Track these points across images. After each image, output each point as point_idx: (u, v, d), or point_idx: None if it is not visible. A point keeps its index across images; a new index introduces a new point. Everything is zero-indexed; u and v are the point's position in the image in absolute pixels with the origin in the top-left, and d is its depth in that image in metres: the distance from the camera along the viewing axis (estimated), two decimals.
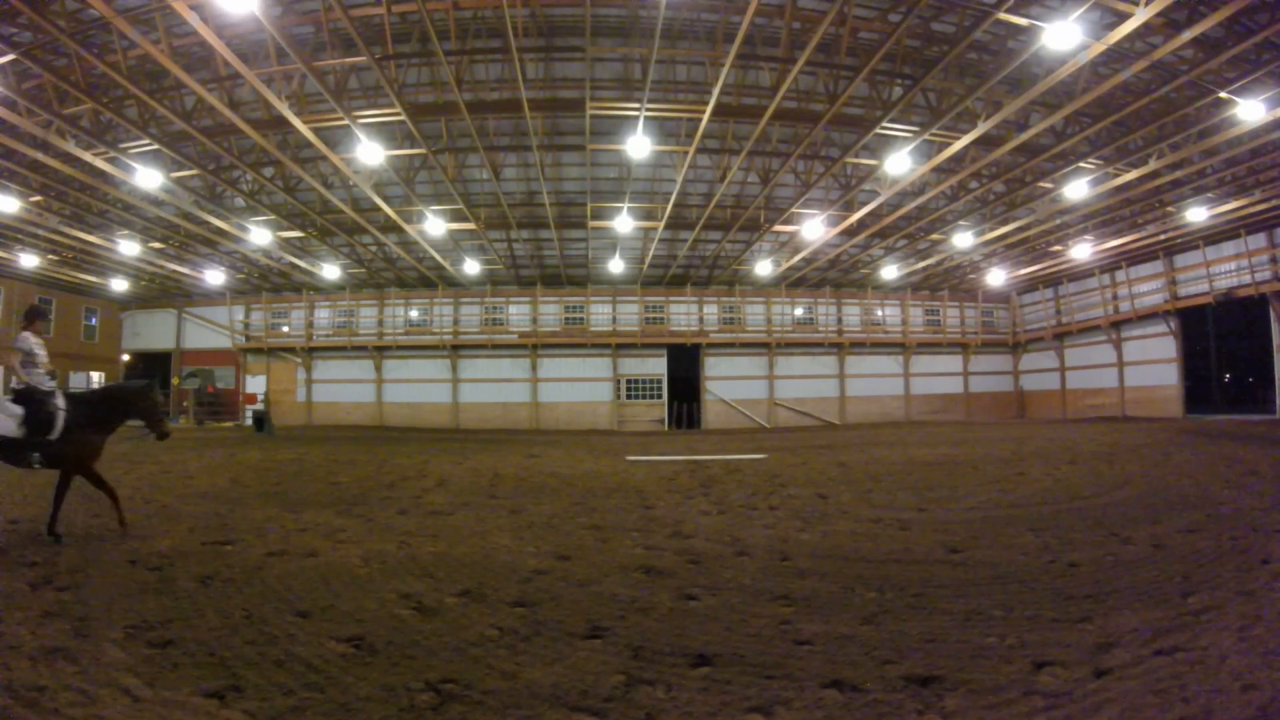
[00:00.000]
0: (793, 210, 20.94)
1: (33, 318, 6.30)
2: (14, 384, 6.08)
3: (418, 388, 30.35)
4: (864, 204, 19.99)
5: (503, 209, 21.77)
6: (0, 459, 6.00)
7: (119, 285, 28.74)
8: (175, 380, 31.34)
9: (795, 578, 4.87)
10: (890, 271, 28.27)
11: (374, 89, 15.42)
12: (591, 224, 22.33)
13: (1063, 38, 10.58)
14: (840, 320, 31.83)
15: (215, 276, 27.62)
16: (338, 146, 16.11)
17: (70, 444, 5.92)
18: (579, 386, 30.15)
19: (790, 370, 30.81)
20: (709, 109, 14.07)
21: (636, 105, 14.45)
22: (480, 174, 19.97)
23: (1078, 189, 17.82)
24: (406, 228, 21.49)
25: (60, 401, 5.95)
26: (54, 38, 11.67)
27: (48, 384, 6.13)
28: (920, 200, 20.08)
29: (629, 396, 30.42)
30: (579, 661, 3.37)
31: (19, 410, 5.83)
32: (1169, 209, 20.83)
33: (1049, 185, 18.68)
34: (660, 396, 30.41)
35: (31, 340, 6.09)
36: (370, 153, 15.29)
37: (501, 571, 5.09)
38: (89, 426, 6.07)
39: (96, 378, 30.95)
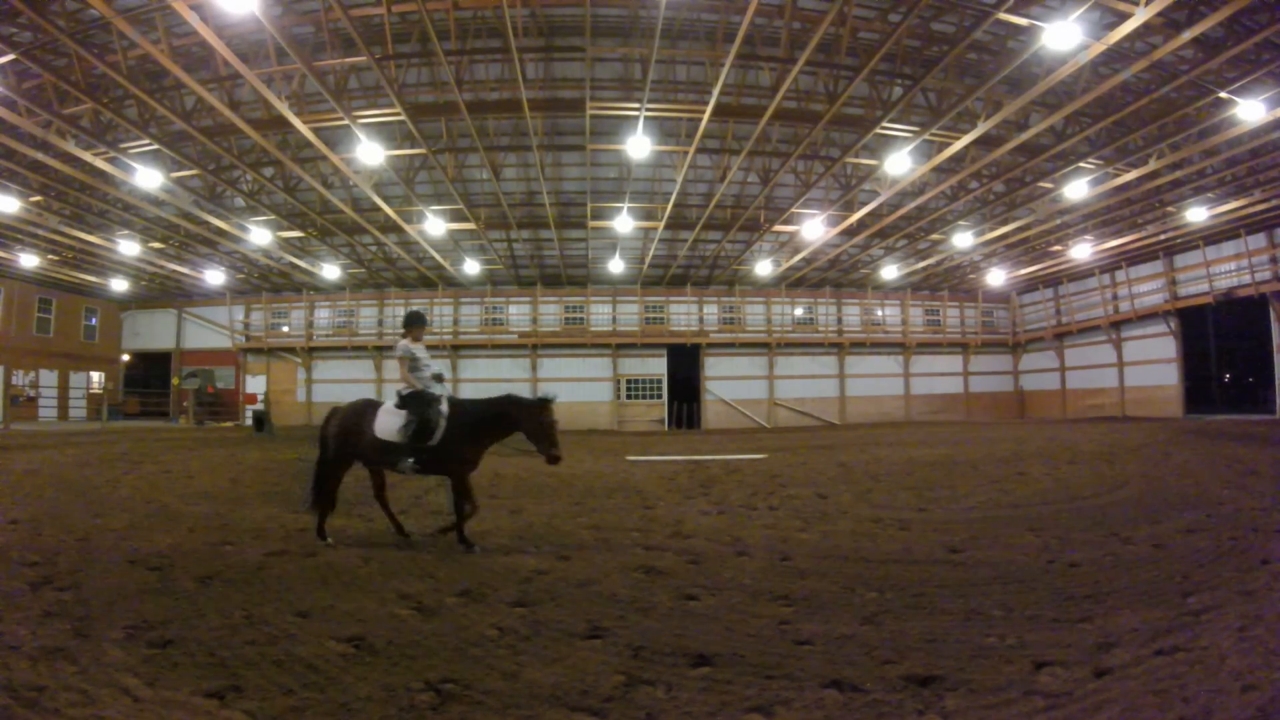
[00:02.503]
0: (793, 210, 20.94)
1: (410, 324, 6.26)
2: (402, 389, 6.00)
3: None
4: (864, 204, 19.99)
5: (503, 209, 21.77)
6: (379, 460, 6.00)
7: (119, 285, 28.74)
8: (175, 380, 31.33)
9: (795, 578, 4.87)
10: (890, 271, 28.27)
11: (374, 89, 15.43)
12: (591, 224, 22.34)
13: (1063, 38, 10.58)
14: (840, 320, 31.83)
15: (215, 276, 27.62)
16: (338, 146, 16.12)
17: (447, 452, 5.73)
18: (579, 386, 30.13)
19: (790, 370, 30.80)
20: (709, 109, 14.07)
21: (636, 105, 14.45)
22: (480, 174, 19.97)
23: (1078, 189, 17.82)
24: (406, 228, 21.49)
25: (444, 408, 5.83)
26: (54, 38, 11.68)
27: (436, 389, 5.99)
28: (920, 200, 20.09)
29: (629, 396, 30.42)
30: (579, 661, 3.37)
31: (403, 414, 5.79)
32: (1169, 209, 20.83)
33: (1049, 185, 18.69)
34: (660, 396, 30.41)
35: (412, 346, 6.09)
36: (370, 153, 15.30)
37: (501, 571, 5.09)
38: (469, 437, 5.81)
39: (96, 378, 30.95)
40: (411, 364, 6.03)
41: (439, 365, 6.38)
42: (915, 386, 31.67)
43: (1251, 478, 9.05)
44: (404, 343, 6.13)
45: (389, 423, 5.81)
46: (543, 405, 5.71)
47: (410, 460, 5.71)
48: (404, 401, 5.89)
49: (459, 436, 5.75)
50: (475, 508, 5.89)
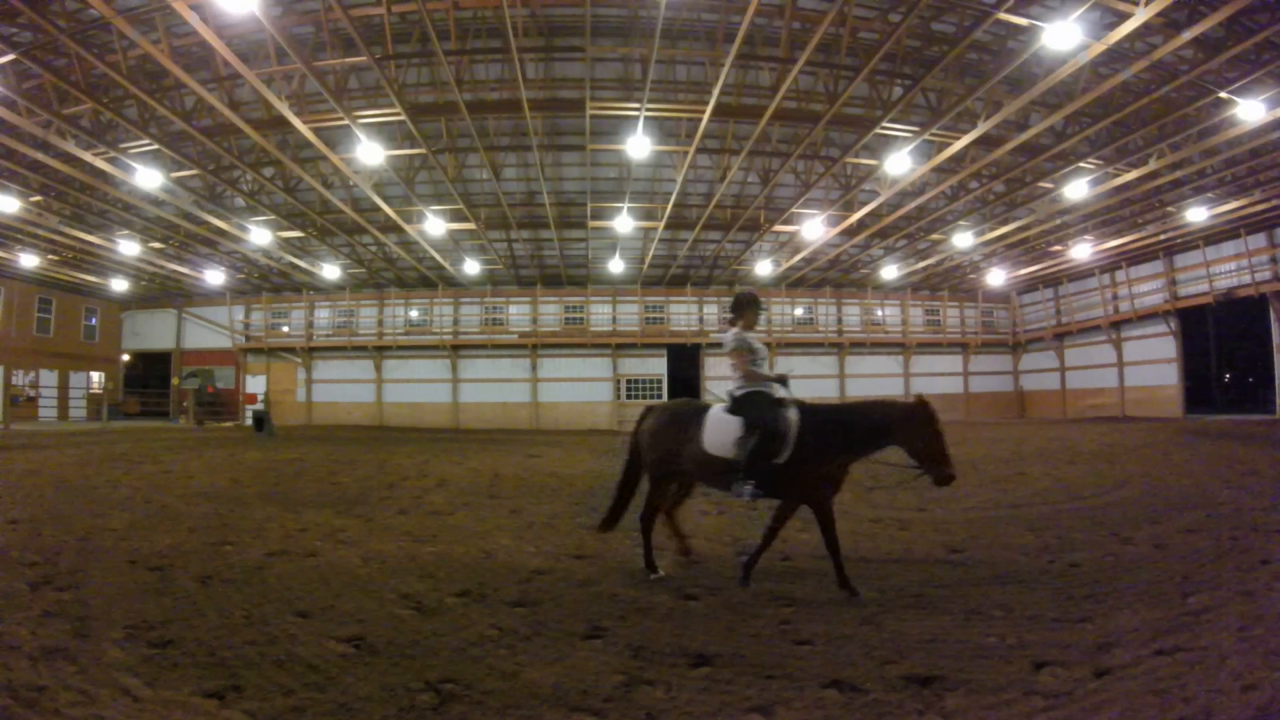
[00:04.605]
0: (793, 210, 20.94)
1: (744, 307, 4.97)
2: (733, 389, 4.81)
3: (418, 388, 30.34)
4: (864, 204, 19.99)
5: (503, 209, 21.76)
6: (706, 480, 4.88)
7: (119, 285, 28.74)
8: (175, 380, 31.33)
9: (795, 578, 4.87)
10: (890, 271, 28.27)
11: (374, 89, 15.42)
12: (591, 224, 22.34)
13: (1063, 38, 10.58)
14: (840, 320, 31.82)
15: (215, 276, 27.63)
16: (338, 146, 16.11)
17: (798, 472, 4.44)
18: (579, 386, 30.14)
19: (790, 370, 30.76)
20: (709, 109, 14.07)
21: (636, 105, 14.45)
22: (480, 174, 19.96)
23: (1078, 189, 17.82)
24: (406, 228, 21.49)
25: (793, 414, 4.57)
26: (54, 38, 11.68)
27: (778, 391, 4.79)
28: (920, 200, 20.09)
29: (629, 396, 30.41)
30: (579, 661, 3.37)
31: (738, 422, 4.58)
32: (1169, 209, 20.83)
33: (1049, 185, 18.69)
34: (660, 397, 30.39)
35: (748, 336, 4.88)
36: (370, 153, 15.30)
37: (501, 571, 5.09)
38: (827, 452, 4.47)
39: (96, 378, 30.94)
40: (751, 358, 4.83)
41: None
42: (915, 386, 31.63)
43: (1251, 478, 9.05)
44: (735, 331, 4.92)
45: (721, 433, 4.61)
46: (926, 411, 4.34)
47: (750, 484, 4.45)
48: (738, 406, 4.69)
49: (814, 451, 4.44)
50: (837, 546, 4.45)
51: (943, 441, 4.25)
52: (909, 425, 4.32)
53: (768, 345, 31.32)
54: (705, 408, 4.86)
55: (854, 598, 4.28)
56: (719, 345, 4.25)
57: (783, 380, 4.87)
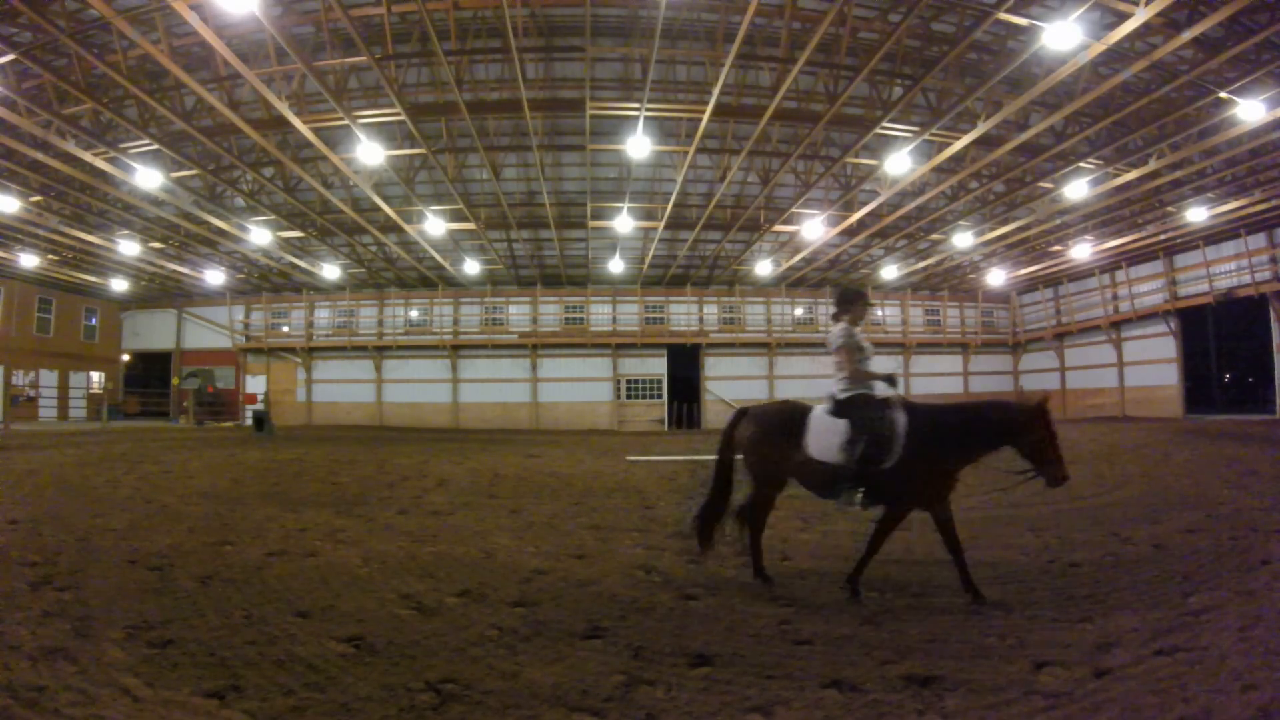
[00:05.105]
0: (793, 210, 20.94)
1: (850, 302, 4.77)
2: (835, 390, 4.59)
3: (418, 388, 30.34)
4: (864, 204, 19.99)
5: (503, 209, 21.77)
6: (811, 487, 4.61)
7: (119, 285, 28.74)
8: (175, 380, 31.33)
9: (795, 578, 4.87)
10: (890, 271, 28.27)
11: (374, 89, 15.42)
12: (591, 224, 22.34)
13: (1063, 38, 10.58)
14: None
15: (215, 276, 27.62)
16: (338, 146, 16.11)
17: (908, 477, 4.22)
18: (579, 386, 30.13)
19: (790, 370, 30.79)
20: (709, 109, 14.07)
21: (636, 105, 14.44)
22: (480, 174, 19.97)
23: (1078, 189, 17.82)
24: (406, 228, 21.49)
25: (900, 415, 4.33)
26: (54, 38, 11.68)
27: (884, 390, 4.57)
28: (920, 200, 20.09)
29: (629, 396, 30.41)
30: (579, 661, 3.37)
31: (843, 425, 4.37)
32: (1169, 209, 20.83)
33: (1049, 185, 18.68)
34: (660, 396, 30.41)
35: (856, 332, 4.70)
36: (370, 153, 15.29)
37: (501, 571, 5.09)
38: (938, 455, 4.23)
39: (96, 378, 30.95)
40: (860, 356, 4.63)
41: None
42: (915, 386, 31.60)
43: (1251, 478, 9.05)
44: (842, 327, 4.70)
45: (827, 438, 4.39)
46: (1043, 412, 4.14)
47: (860, 492, 4.29)
48: (843, 408, 4.46)
49: (924, 455, 4.21)
50: (960, 552, 4.30)
51: (1057, 442, 4.12)
52: (1027, 426, 4.13)
53: (766, 345, 31.52)
54: (806, 410, 4.63)
55: (979, 602, 4.13)
56: (823, 343, 3.88)
57: (891, 379, 4.60)
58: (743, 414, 4.95)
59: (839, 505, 4.46)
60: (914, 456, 4.21)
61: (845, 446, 4.30)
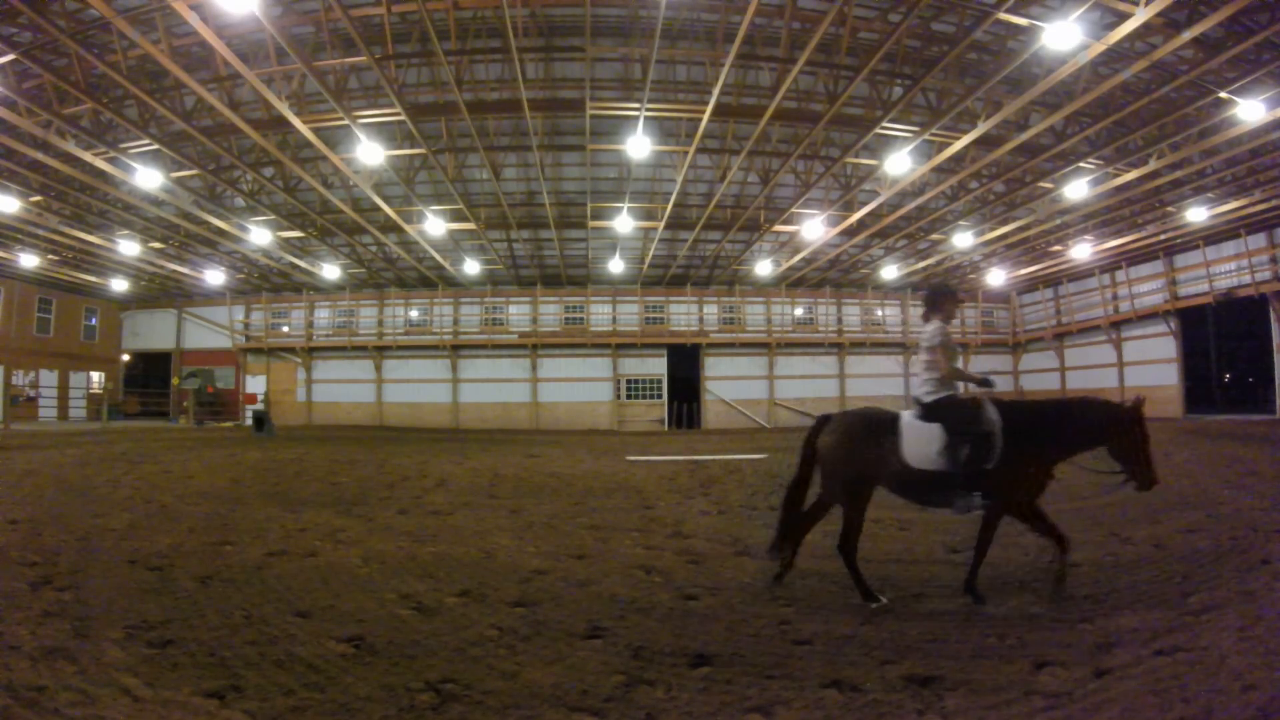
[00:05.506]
0: (793, 210, 20.94)
1: (942, 300, 4.64)
2: (922, 392, 4.48)
3: (418, 388, 30.35)
4: (864, 204, 19.99)
5: (503, 209, 21.76)
6: (911, 497, 4.47)
7: (119, 285, 28.74)
8: (175, 380, 31.34)
9: (795, 578, 4.87)
10: (890, 271, 28.27)
11: (374, 89, 15.42)
12: (591, 224, 22.33)
13: (1063, 38, 10.58)
14: (840, 320, 31.83)
15: (215, 276, 27.63)
16: (338, 146, 16.12)
17: (1016, 473, 4.17)
18: (579, 386, 30.14)
19: (790, 370, 30.80)
20: (709, 109, 14.06)
21: (636, 105, 14.44)
22: (480, 174, 19.97)
23: (1078, 189, 17.81)
24: (406, 228, 21.49)
25: (995, 414, 4.23)
26: (54, 38, 11.67)
27: (987, 388, 4.51)
28: (920, 200, 20.08)
29: (629, 396, 30.42)
30: (579, 661, 3.37)
31: (939, 430, 4.24)
32: (1169, 209, 20.82)
33: (1049, 185, 18.68)
34: (660, 396, 30.41)
35: (950, 332, 4.58)
36: (370, 153, 15.30)
37: (501, 571, 5.09)
38: (1032, 454, 4.19)
39: (96, 378, 30.95)
40: (954, 356, 4.52)
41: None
42: (916, 387, 31.64)
43: (1251, 478, 9.05)
44: (936, 326, 4.54)
45: (923, 443, 4.26)
46: (1139, 413, 4.05)
47: (978, 495, 4.19)
48: (934, 412, 4.35)
49: (1026, 453, 4.17)
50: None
51: (1149, 444, 4.04)
52: (1123, 427, 4.06)
53: (766, 345, 31.53)
54: (895, 416, 4.48)
55: (979, 604, 4.16)
56: (918, 344, 3.79)
57: (987, 382, 4.53)
58: (825, 422, 4.73)
59: (955, 511, 4.30)
60: (1016, 455, 4.14)
61: (946, 451, 4.18)
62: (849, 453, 4.44)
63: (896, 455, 4.29)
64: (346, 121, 14.24)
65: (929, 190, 19.71)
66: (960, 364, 4.55)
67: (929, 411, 4.35)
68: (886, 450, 4.33)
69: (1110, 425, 4.10)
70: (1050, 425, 4.21)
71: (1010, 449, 4.14)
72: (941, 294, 4.68)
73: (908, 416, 4.43)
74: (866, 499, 4.46)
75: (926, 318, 4.66)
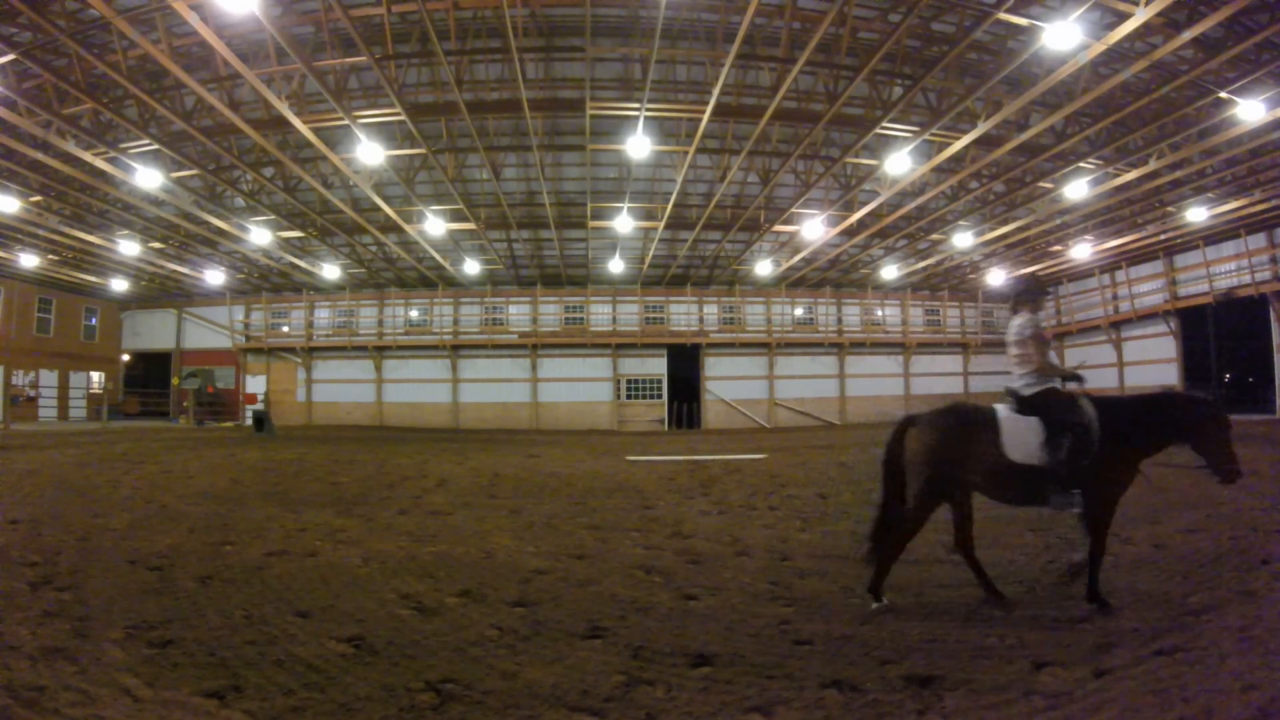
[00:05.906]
0: (793, 210, 20.93)
1: (1033, 293, 4.58)
2: (1019, 386, 4.33)
3: (418, 388, 30.35)
4: (864, 204, 19.99)
5: (503, 209, 21.76)
6: (1009, 495, 4.27)
7: (119, 285, 28.74)
8: (175, 380, 31.34)
9: (795, 578, 4.87)
10: (890, 271, 28.27)
11: (374, 89, 15.42)
12: (591, 224, 22.33)
13: (1063, 38, 10.57)
14: (840, 320, 31.83)
15: (215, 276, 27.62)
16: (338, 146, 16.11)
17: (1107, 469, 4.05)
18: (579, 386, 30.14)
19: (790, 370, 30.80)
20: (709, 109, 14.06)
21: (636, 105, 14.44)
22: (480, 174, 19.96)
23: (1078, 189, 17.82)
24: (406, 228, 21.49)
25: (1090, 409, 4.09)
26: (54, 38, 11.67)
27: (1075, 384, 4.31)
28: (920, 200, 20.08)
29: (629, 396, 30.42)
30: (579, 661, 3.37)
31: (1038, 423, 4.10)
32: (1169, 209, 20.83)
33: (1049, 185, 18.68)
34: (660, 396, 30.40)
35: (1042, 324, 4.47)
36: (370, 153, 15.29)
37: (501, 571, 5.09)
38: (1123, 450, 4.07)
39: (96, 378, 30.95)
40: (1047, 349, 4.39)
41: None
42: (915, 386, 31.64)
43: (1251, 478, 9.05)
44: (1026, 318, 4.42)
45: (1024, 438, 4.08)
46: (1219, 408, 4.08)
47: (1076, 491, 4.08)
48: (1032, 405, 4.20)
49: (1115, 449, 4.05)
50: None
51: (1231, 438, 4.00)
52: (1205, 422, 4.02)
53: (766, 345, 31.49)
54: (991, 411, 4.26)
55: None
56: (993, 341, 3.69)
57: (1077, 377, 4.33)
58: (910, 422, 4.42)
59: (1054, 508, 4.19)
60: (1112, 450, 4.04)
61: (1047, 446, 4.03)
62: (945, 451, 4.19)
63: (998, 450, 4.10)
64: (346, 121, 14.24)
65: (929, 190, 19.71)
66: (1053, 357, 4.43)
67: (1027, 404, 4.21)
68: (986, 446, 4.13)
69: (1196, 419, 4.04)
70: (1142, 420, 4.11)
71: (1106, 444, 4.03)
72: (1031, 288, 4.60)
73: (1003, 410, 4.27)
74: (964, 499, 4.33)
75: (1015, 310, 4.52)
